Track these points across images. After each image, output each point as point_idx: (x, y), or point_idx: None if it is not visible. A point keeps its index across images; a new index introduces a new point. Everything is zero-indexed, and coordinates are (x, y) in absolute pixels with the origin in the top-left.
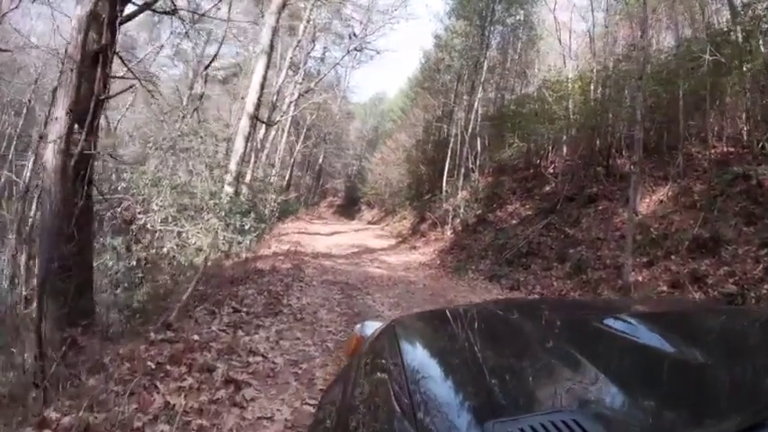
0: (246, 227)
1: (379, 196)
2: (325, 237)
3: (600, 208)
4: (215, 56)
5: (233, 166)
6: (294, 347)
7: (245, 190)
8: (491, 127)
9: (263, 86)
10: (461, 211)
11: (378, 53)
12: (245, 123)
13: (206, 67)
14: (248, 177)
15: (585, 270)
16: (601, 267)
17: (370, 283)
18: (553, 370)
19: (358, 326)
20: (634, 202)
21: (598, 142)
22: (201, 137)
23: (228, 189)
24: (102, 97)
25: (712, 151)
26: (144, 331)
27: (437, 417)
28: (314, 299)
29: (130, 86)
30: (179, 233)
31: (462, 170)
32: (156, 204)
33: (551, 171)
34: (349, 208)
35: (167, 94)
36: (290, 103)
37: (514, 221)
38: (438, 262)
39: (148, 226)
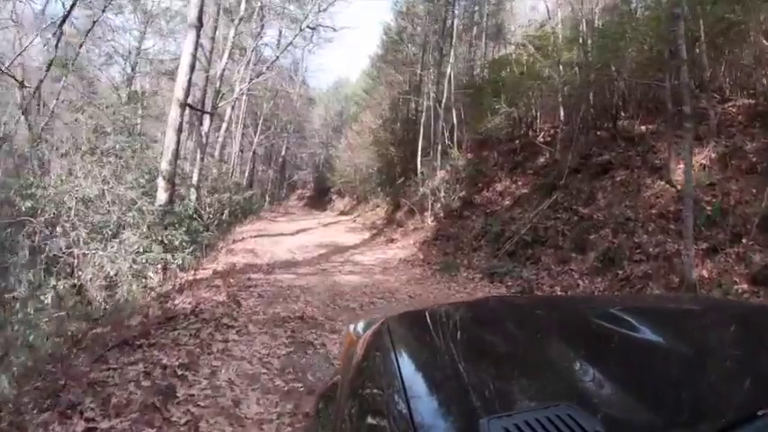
0: (177, 242)
1: (350, 184)
2: (289, 237)
3: (617, 179)
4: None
5: (164, 166)
6: None
7: (192, 193)
8: (467, 96)
9: (193, 68)
10: (442, 194)
11: (335, 30)
12: (174, 113)
13: (59, 25)
14: (195, 177)
15: (620, 263)
16: (643, 259)
17: (339, 307)
18: (547, 365)
19: (351, 326)
20: (690, 167)
21: (592, 100)
22: (107, 132)
23: (162, 195)
24: None
25: (735, 104)
26: None
27: (432, 414)
28: (243, 365)
29: None
30: (93, 259)
31: (439, 147)
32: (61, 225)
33: (542, 140)
34: (319, 199)
35: (108, 95)
36: (240, 90)
37: (507, 202)
38: (421, 257)
39: (53, 253)
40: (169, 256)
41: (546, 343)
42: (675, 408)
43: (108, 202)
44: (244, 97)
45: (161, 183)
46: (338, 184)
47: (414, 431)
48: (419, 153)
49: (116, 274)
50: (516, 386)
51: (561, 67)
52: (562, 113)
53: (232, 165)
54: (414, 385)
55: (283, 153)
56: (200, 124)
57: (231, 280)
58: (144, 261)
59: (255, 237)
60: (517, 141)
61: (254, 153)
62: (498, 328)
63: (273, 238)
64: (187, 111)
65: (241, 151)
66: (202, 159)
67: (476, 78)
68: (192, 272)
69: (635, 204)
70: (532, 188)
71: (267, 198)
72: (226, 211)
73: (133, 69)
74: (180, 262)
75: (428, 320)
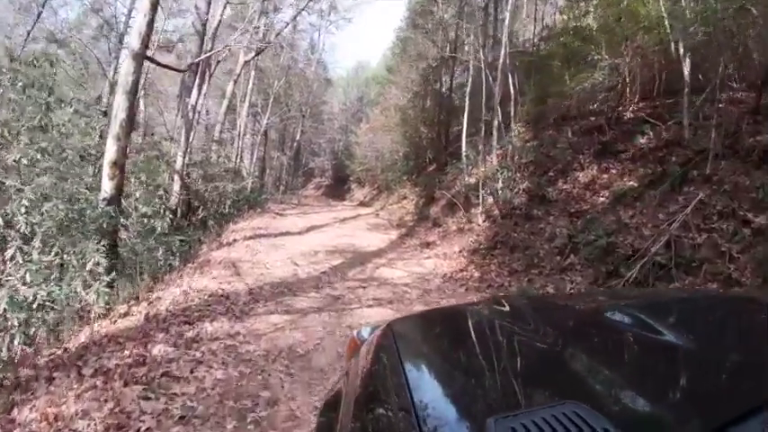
0: (88, 266)
1: (370, 172)
2: (295, 238)
3: None
4: None
5: (111, 145)
6: None
7: (176, 182)
8: (529, 59)
9: (156, 7)
10: (499, 185)
11: None
12: (126, 68)
13: None
14: (179, 162)
15: None
16: None
17: None
18: (553, 364)
19: (355, 330)
20: None
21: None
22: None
23: (107, 185)
24: None
25: None
26: None
27: (438, 416)
28: None
29: None
30: None
31: (495, 122)
32: None
33: (632, 114)
34: (338, 188)
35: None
36: (246, 61)
37: (603, 200)
38: (475, 274)
39: None
40: (78, 289)
41: (552, 341)
42: (683, 403)
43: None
44: (252, 72)
45: (105, 168)
46: (358, 172)
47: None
48: (464, 132)
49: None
50: (522, 385)
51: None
52: (686, 73)
53: (237, 149)
54: (419, 387)
55: (298, 137)
56: (188, 95)
57: (157, 348)
58: (31, 298)
59: (251, 238)
60: (593, 118)
61: (265, 137)
62: (503, 328)
63: (274, 239)
64: (177, 83)
65: (253, 135)
66: (188, 139)
67: (528, 44)
68: (122, 311)
69: None
70: (642, 180)
71: (282, 187)
72: (227, 203)
73: (121, 41)
74: (95, 299)
75: (432, 323)
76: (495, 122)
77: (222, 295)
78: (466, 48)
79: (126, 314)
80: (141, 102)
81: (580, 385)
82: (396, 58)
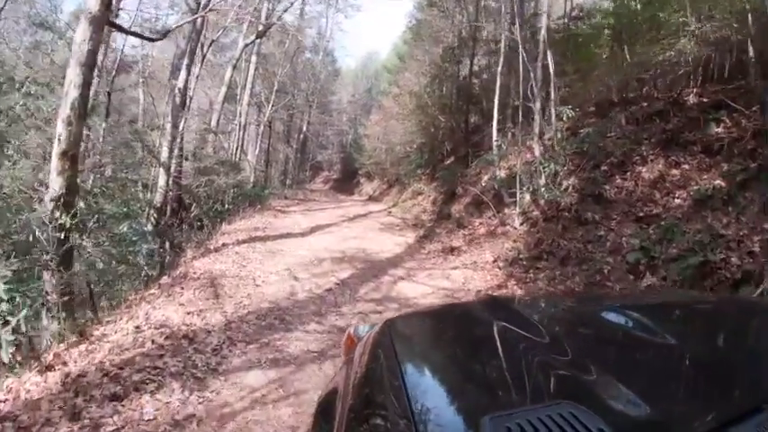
0: None
1: (380, 166)
2: (296, 241)
3: None
4: None
5: (61, 130)
6: None
7: (161, 176)
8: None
9: None
10: (542, 181)
11: None
12: (81, 34)
13: None
14: (165, 153)
15: None
16: None
17: None
18: (549, 364)
19: (352, 328)
20: None
21: None
22: None
23: (56, 182)
24: None
25: None
26: None
27: (433, 413)
28: None
29: None
30: None
31: (537, 105)
32: None
33: (695, 99)
34: (346, 182)
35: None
36: (246, 44)
37: (679, 201)
38: (519, 293)
39: None
40: None
41: (549, 341)
42: (678, 404)
43: None
44: (253, 57)
45: (54, 160)
46: (367, 165)
47: (415, 430)
48: (495, 117)
49: None
50: (518, 384)
51: None
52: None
53: (238, 140)
54: (415, 385)
55: (305, 129)
56: (177, 79)
57: None
58: None
59: (245, 242)
60: (645, 103)
61: (270, 128)
62: (499, 328)
63: (272, 242)
64: (169, 67)
65: (257, 126)
66: (176, 126)
67: (559, 24)
68: (49, 360)
69: None
70: (731, 179)
71: (288, 181)
72: (227, 199)
73: (111, 24)
74: None
75: (429, 321)
76: (538, 105)
77: (185, 336)
78: (485, 32)
79: (49, 367)
80: (140, 92)
81: (576, 385)
82: (408, 44)
